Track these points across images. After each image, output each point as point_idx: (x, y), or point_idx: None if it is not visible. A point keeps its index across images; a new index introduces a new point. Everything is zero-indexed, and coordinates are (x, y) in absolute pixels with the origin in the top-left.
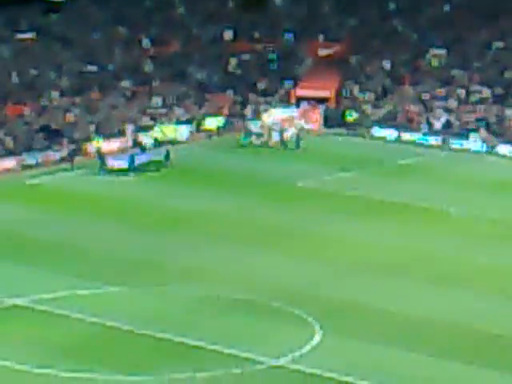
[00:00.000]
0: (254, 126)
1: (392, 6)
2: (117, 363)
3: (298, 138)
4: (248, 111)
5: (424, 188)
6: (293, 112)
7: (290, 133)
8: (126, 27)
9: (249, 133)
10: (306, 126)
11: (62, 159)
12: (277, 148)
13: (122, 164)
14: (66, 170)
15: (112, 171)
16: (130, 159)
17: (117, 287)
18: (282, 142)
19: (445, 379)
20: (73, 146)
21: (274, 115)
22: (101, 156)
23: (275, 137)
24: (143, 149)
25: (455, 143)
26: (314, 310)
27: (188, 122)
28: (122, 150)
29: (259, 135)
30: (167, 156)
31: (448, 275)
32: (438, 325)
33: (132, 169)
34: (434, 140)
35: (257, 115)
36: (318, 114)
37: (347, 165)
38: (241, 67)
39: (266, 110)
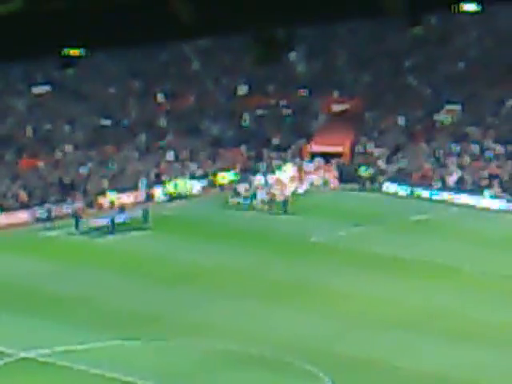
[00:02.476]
0: (241, 187)
1: (407, 62)
2: None
3: (286, 203)
4: (261, 166)
5: (437, 244)
6: (288, 175)
7: (281, 197)
8: (141, 81)
9: (235, 194)
10: (301, 190)
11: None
12: (262, 210)
13: (102, 224)
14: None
15: (91, 230)
16: (110, 220)
17: (130, 341)
18: (270, 204)
19: None
20: (49, 207)
21: (269, 177)
22: (76, 217)
23: (262, 198)
24: (123, 209)
25: (468, 199)
26: (325, 366)
27: (201, 176)
28: (135, 204)
29: (245, 196)
30: (146, 216)
31: (460, 331)
32: (451, 381)
33: (111, 229)
34: (447, 196)
35: (270, 170)
36: (331, 171)
37: (360, 220)
38: (255, 122)
39: (260, 173)
